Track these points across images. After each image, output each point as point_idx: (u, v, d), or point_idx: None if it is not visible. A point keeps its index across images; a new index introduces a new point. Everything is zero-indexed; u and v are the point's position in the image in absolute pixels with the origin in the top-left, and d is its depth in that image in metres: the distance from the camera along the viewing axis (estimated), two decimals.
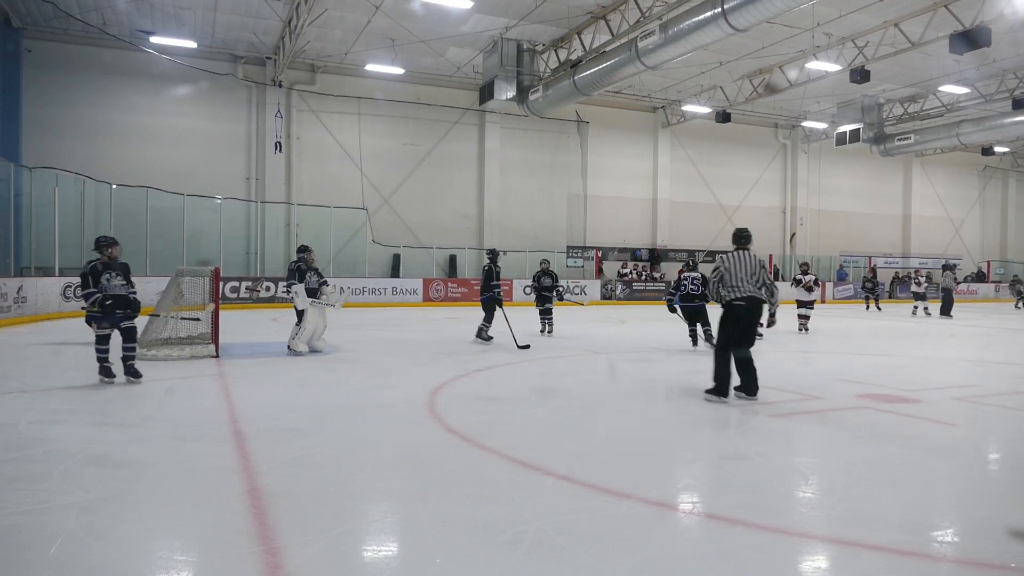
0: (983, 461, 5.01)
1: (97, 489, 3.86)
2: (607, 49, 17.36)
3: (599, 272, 25.68)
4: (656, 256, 27.25)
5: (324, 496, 3.76)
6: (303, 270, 9.58)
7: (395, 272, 22.67)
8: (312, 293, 9.55)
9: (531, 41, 19.10)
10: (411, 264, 23.02)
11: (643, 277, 25.94)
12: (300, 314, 9.50)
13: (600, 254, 26.09)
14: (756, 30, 15.54)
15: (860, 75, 18.72)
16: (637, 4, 15.96)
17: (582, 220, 26.15)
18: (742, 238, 6.69)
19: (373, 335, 12.69)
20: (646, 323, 16.31)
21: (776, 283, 6.73)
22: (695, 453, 5.00)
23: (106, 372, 6.91)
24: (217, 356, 8.88)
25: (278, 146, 21.61)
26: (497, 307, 11.06)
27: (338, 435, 5.19)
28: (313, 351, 9.53)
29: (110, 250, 6.96)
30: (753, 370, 6.52)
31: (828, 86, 22.60)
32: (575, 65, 18.22)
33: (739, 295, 6.42)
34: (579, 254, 25.75)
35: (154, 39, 18.80)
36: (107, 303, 6.77)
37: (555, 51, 19.61)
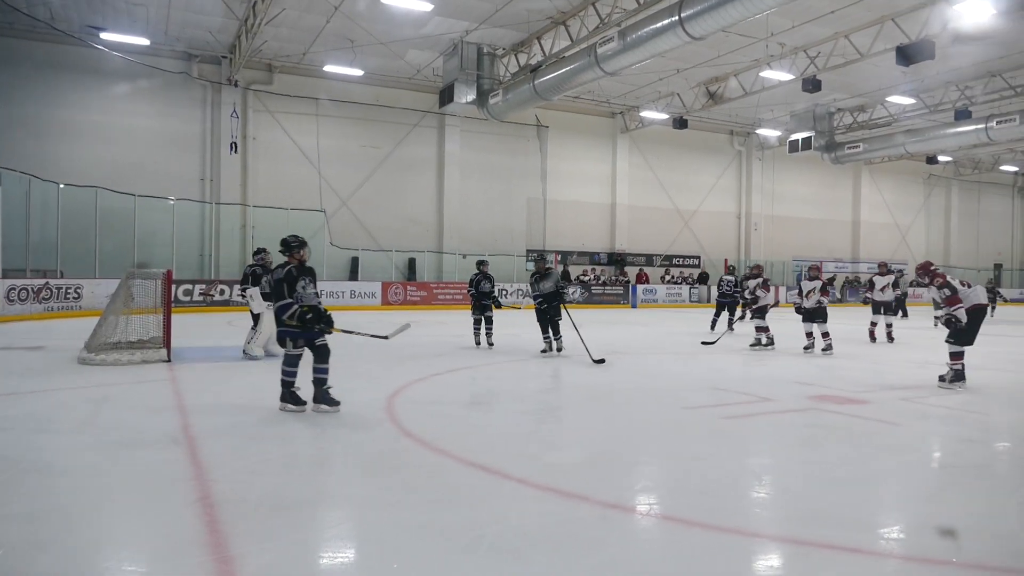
0: (926, 460, 5.18)
1: (41, 498, 3.74)
2: (567, 54, 17.50)
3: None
4: (618, 260, 27.51)
5: (279, 503, 3.71)
6: (259, 273, 9.43)
7: (353, 275, 22.46)
8: (270, 296, 9.39)
9: (492, 45, 19.14)
10: (370, 267, 22.84)
11: (602, 281, 26.17)
12: (256, 318, 9.36)
13: (560, 258, 26.23)
14: (712, 39, 15.83)
15: (812, 85, 19.20)
16: (596, 11, 16.12)
17: (542, 224, 26.27)
18: None
19: (330, 338, 12.51)
20: (604, 327, 16.44)
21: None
22: (651, 455, 5.06)
23: (295, 399, 5.94)
24: (169, 360, 8.67)
25: (234, 146, 21.24)
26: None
27: (294, 441, 5.12)
28: (269, 355, 9.38)
29: (302, 252, 6.14)
30: None
31: (781, 95, 23.11)
32: (535, 70, 18.31)
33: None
34: (539, 255, 25.83)
35: (105, 35, 18.30)
36: (308, 316, 5.87)
37: (515, 55, 19.69)
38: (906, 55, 16.02)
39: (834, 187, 33.36)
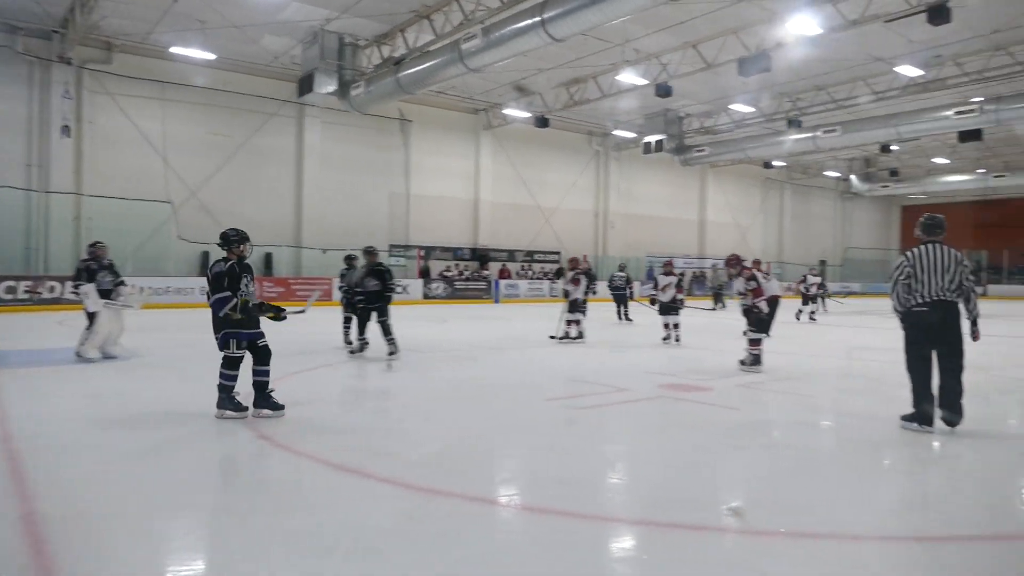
0: (763, 441, 5.62)
1: None
2: (431, 49, 17.40)
3: (421, 272, 25.65)
4: (481, 256, 27.73)
5: (118, 517, 3.44)
6: (93, 269, 8.71)
7: (203, 271, 21.21)
8: (106, 294, 8.71)
9: (353, 35, 18.67)
10: None
11: (464, 276, 26.29)
12: (91, 316, 8.62)
13: (423, 253, 26.10)
14: (572, 41, 16.30)
15: (663, 90, 20.24)
16: (460, 7, 16.14)
17: (405, 219, 26.01)
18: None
19: (179, 338, 11.81)
20: (468, 322, 16.56)
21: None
22: (511, 448, 5.15)
23: (235, 405, 5.56)
24: None
25: (66, 130, 19.40)
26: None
27: (136, 449, 4.76)
28: (107, 357, 8.69)
29: (242, 247, 5.76)
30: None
31: (636, 98, 24.16)
32: (399, 63, 18.07)
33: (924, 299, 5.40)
34: (402, 253, 25.60)
35: None
36: (251, 305, 5.58)
37: (378, 47, 19.33)
38: (746, 67, 17.26)
39: (684, 188, 35.40)
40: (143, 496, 3.81)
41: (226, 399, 5.59)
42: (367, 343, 9.57)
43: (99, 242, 9.08)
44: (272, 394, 5.69)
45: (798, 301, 18.44)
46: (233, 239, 5.78)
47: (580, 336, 11.79)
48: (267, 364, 5.69)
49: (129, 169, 20.51)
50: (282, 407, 5.69)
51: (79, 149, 19.79)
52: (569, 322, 11.78)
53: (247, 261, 5.79)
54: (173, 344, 10.91)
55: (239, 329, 5.56)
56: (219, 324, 5.58)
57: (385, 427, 5.62)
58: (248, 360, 5.65)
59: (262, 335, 5.70)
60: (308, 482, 4.11)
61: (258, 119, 22.65)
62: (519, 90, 23.57)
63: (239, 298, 5.53)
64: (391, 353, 9.27)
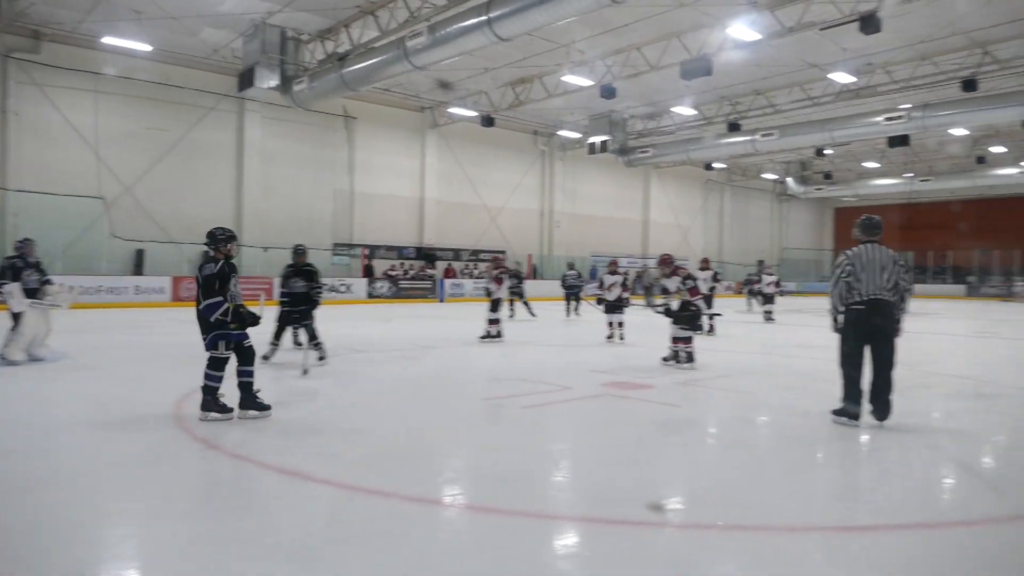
0: (702, 436, 5.75)
1: None
2: (376, 45, 17.22)
3: (365, 271, 25.34)
4: (427, 255, 27.57)
5: (50, 526, 3.31)
6: (18, 267, 8.34)
7: (138, 269, 20.51)
8: (32, 293, 8.35)
9: (296, 30, 18.33)
10: (158, 260, 20.97)
11: (410, 275, 26.10)
12: (16, 317, 8.26)
13: (367, 252, 25.80)
14: (518, 41, 16.35)
15: (607, 92, 20.49)
16: (406, 3, 16.01)
17: (349, 217, 25.67)
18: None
19: (112, 339, 11.41)
20: (413, 321, 16.46)
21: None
22: (454, 447, 5.15)
23: (220, 407, 5.45)
24: None
25: None
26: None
27: (67, 454, 4.58)
28: (33, 359, 8.32)
29: (229, 246, 5.54)
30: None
31: (581, 99, 24.39)
32: (343, 58, 17.82)
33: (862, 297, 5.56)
34: (346, 251, 25.26)
35: None
36: (241, 311, 5.46)
37: (322, 42, 19.02)
38: (688, 70, 17.60)
39: (627, 188, 35.89)
40: (77, 503, 3.67)
41: (211, 401, 5.47)
42: (277, 348, 8.92)
43: (27, 239, 8.72)
44: (258, 394, 5.61)
45: (740, 300, 18.88)
46: (220, 238, 5.56)
47: (499, 335, 11.63)
48: (252, 364, 5.59)
49: (59, 163, 19.69)
50: (269, 407, 5.61)
51: (4, 142, 18.91)
52: (491, 321, 11.66)
53: (233, 260, 5.63)
54: (106, 345, 10.54)
55: (228, 331, 5.46)
56: (208, 325, 5.46)
57: (325, 428, 5.54)
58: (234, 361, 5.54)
59: (247, 336, 5.62)
60: (248, 485, 4.03)
61: (197, 113, 22.03)
62: (444, 86, 23.20)
63: (230, 303, 5.41)
64: (320, 358, 8.56)
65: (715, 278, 14.16)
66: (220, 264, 5.44)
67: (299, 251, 9.22)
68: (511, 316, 16.00)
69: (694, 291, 8.86)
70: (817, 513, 3.85)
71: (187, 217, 21.74)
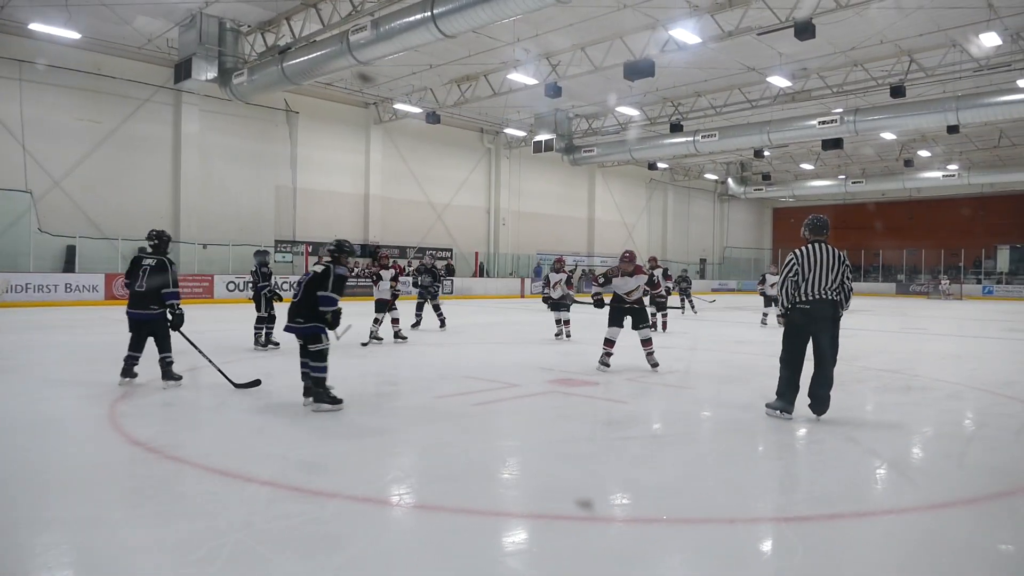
0: (648, 432, 5.84)
1: None
2: (318, 39, 16.93)
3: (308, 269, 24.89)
4: (372, 252, 27.22)
5: None
6: None
7: (69, 266, 19.71)
8: None
9: (235, 20, 17.88)
10: (90, 257, 20.19)
11: (355, 273, 25.74)
12: None
13: (310, 249, 25.36)
14: (464, 38, 16.33)
15: (553, 91, 20.61)
16: None
17: (292, 213, 25.19)
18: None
19: (42, 339, 10.94)
20: (356, 319, 16.23)
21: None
22: (399, 446, 5.10)
23: (332, 399, 5.88)
24: None
25: None
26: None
27: None
28: None
29: (351, 260, 5.57)
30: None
31: (527, 98, 24.48)
32: (284, 51, 17.48)
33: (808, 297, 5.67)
34: (288, 248, 24.77)
35: None
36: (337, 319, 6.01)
37: (262, 34, 18.61)
38: (631, 71, 17.85)
39: (573, 186, 36.20)
40: (6, 510, 3.51)
41: (324, 393, 5.83)
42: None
43: None
44: (332, 390, 5.92)
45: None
46: (346, 249, 6.20)
47: (389, 337, 11.26)
48: (325, 360, 5.94)
49: None
50: (340, 401, 5.89)
51: None
52: (394, 320, 11.38)
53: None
54: (36, 345, 10.11)
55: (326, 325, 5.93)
56: (313, 317, 5.87)
57: (272, 429, 5.43)
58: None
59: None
60: (187, 489, 3.91)
61: (131, 105, 21.27)
62: (362, 78, 22.49)
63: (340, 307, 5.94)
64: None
65: (665, 275, 14.41)
66: (339, 270, 5.93)
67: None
68: (414, 326, 13.47)
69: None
70: (757, 504, 3.95)
71: (121, 212, 21.01)
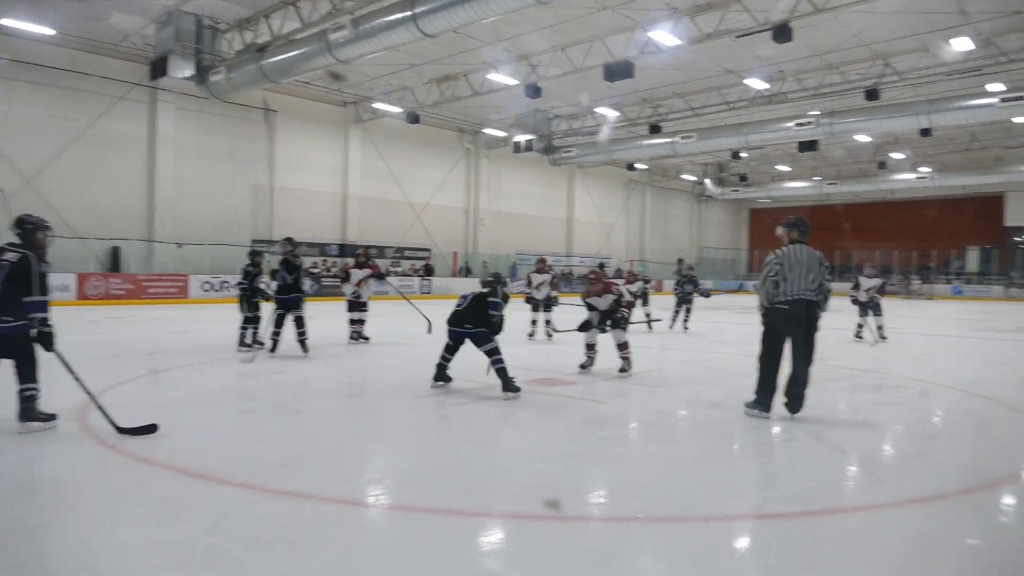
0: (624, 432, 5.88)
1: None
2: (297, 37, 16.81)
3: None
4: (351, 252, 27.07)
5: None
6: None
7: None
8: None
9: (213, 18, 17.69)
10: (62, 256, 19.77)
11: (333, 273, 25.59)
12: None
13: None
14: (444, 38, 16.28)
15: (533, 91, 20.65)
16: None
17: (269, 212, 24.97)
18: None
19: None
20: (336, 319, 16.13)
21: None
22: (379, 447, 5.10)
23: (517, 387, 6.70)
24: None
25: None
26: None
27: None
28: None
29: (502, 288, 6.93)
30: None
31: (507, 98, 24.48)
32: (262, 49, 17.33)
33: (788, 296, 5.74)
34: (265, 248, 24.50)
35: None
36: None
37: (240, 32, 18.43)
38: (611, 72, 17.93)
39: (552, 187, 36.27)
40: None
41: (511, 382, 6.58)
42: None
43: None
44: (513, 380, 6.60)
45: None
46: (503, 280, 7.00)
47: (357, 338, 11.09)
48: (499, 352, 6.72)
49: None
50: (519, 389, 6.58)
51: None
52: (360, 320, 11.15)
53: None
54: None
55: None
56: (482, 321, 6.72)
57: (245, 430, 5.39)
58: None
59: None
60: (162, 492, 3.87)
61: (105, 102, 20.95)
62: (333, 76, 21.99)
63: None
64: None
65: (646, 282, 14.63)
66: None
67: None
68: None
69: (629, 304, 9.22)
70: (733, 502, 4.00)
71: (95, 211, 20.70)
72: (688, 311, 14.48)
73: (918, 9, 16.54)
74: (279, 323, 9.17)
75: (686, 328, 14.30)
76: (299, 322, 9.16)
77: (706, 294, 14.66)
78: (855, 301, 12.82)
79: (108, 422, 4.90)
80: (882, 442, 5.56)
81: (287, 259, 9.25)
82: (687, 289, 14.36)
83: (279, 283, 9.14)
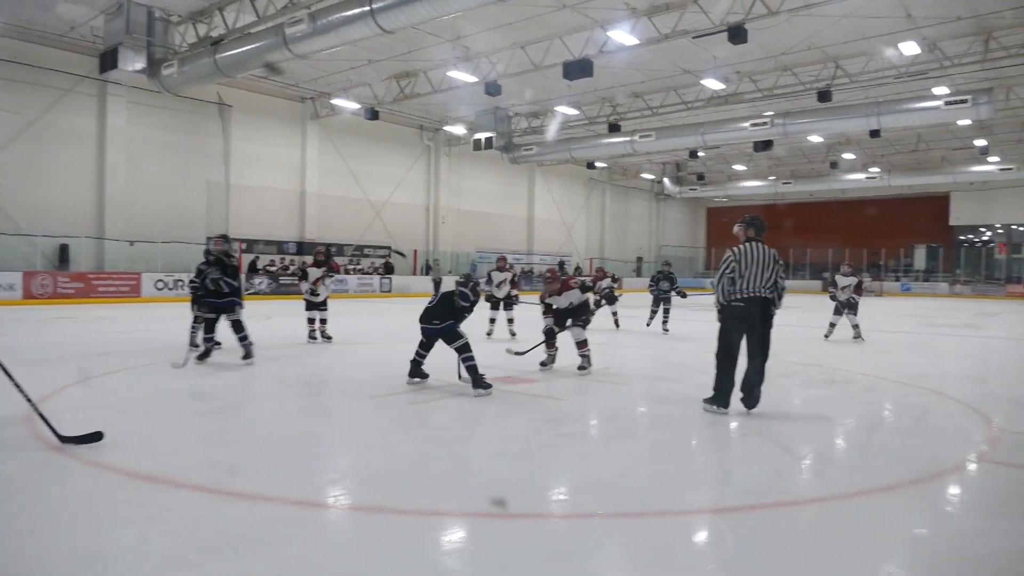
0: (585, 428, 5.92)
1: None
2: (253, 31, 16.52)
3: (241, 266, 24.22)
4: (310, 250, 26.72)
5: None
6: None
7: None
8: None
9: (165, 10, 17.27)
10: (7, 254, 19.20)
11: (290, 271, 25.24)
12: None
13: (244, 246, 24.72)
14: (403, 34, 16.18)
15: (493, 89, 20.65)
16: None
17: (224, 210, 24.49)
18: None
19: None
20: (293, 318, 15.92)
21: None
22: (339, 447, 5.05)
23: (487, 384, 6.73)
24: None
25: None
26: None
27: None
28: None
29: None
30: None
31: (467, 95, 24.45)
32: (216, 43, 16.98)
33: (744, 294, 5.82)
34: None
35: None
36: None
37: (194, 25, 18.04)
38: (570, 71, 18.02)
39: (512, 185, 36.33)
40: None
41: (481, 379, 6.62)
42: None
43: None
44: (483, 377, 6.64)
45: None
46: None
47: (315, 337, 10.93)
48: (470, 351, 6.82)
49: None
50: (490, 386, 6.65)
51: None
52: (318, 320, 10.91)
53: None
54: None
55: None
56: (450, 315, 6.87)
57: (204, 432, 5.29)
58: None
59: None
60: (114, 497, 3.77)
61: (52, 95, 20.32)
62: (269, 67, 21.28)
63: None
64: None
65: (613, 279, 14.65)
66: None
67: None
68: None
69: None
70: (689, 496, 4.06)
71: (41, 208, 20.07)
72: (667, 311, 13.52)
73: (867, 13, 17.00)
74: (210, 328, 8.45)
75: (666, 330, 13.31)
76: (236, 326, 8.37)
77: (683, 294, 13.58)
78: (833, 298, 13.01)
79: (50, 431, 4.62)
80: (834, 436, 5.70)
81: (220, 258, 8.35)
82: (663, 287, 13.44)
83: (211, 287, 8.31)
